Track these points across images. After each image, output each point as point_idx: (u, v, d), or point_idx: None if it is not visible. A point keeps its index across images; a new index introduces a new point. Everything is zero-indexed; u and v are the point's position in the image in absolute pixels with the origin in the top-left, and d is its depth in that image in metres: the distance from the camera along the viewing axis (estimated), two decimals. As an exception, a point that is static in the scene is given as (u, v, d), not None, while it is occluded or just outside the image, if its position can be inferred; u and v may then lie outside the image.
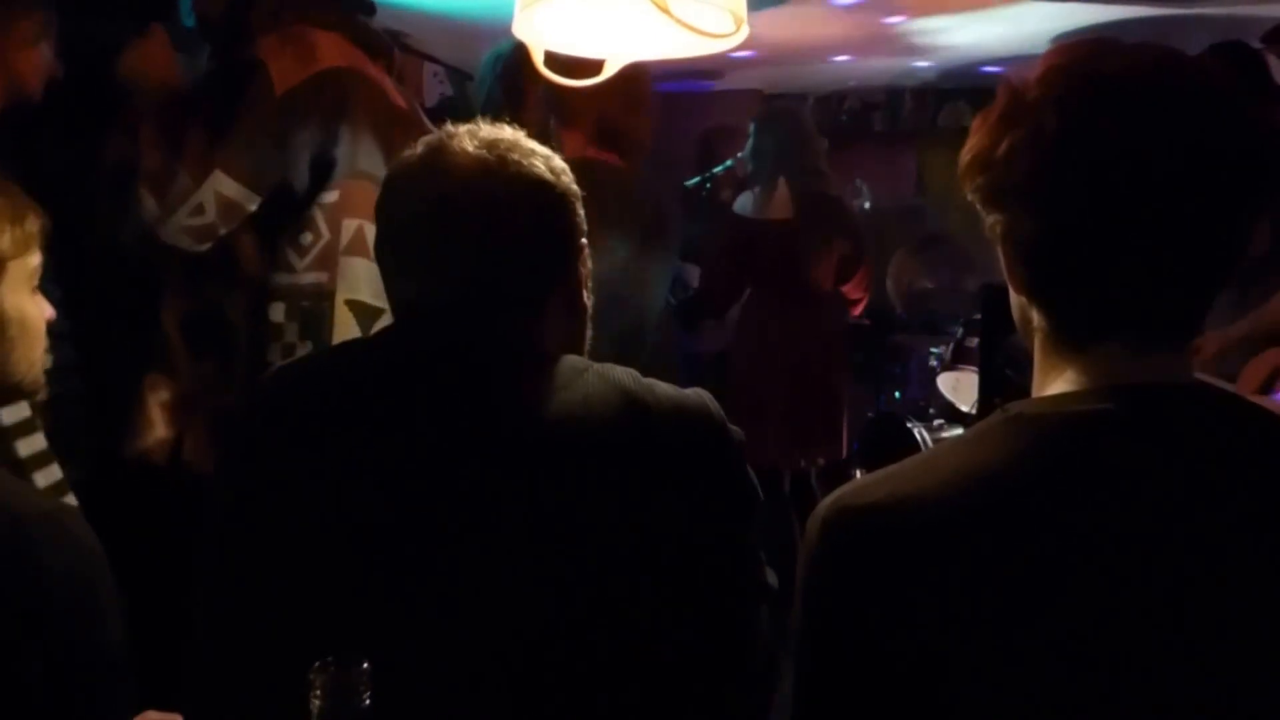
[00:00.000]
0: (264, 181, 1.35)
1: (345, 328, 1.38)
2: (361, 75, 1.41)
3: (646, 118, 1.72)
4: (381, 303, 1.41)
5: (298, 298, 1.38)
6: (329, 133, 1.36)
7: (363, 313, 1.39)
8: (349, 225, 1.39)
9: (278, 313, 1.38)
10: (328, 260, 1.38)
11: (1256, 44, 2.12)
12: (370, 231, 1.39)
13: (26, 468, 1.17)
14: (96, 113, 1.46)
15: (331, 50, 1.38)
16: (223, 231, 1.35)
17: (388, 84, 1.49)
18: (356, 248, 1.39)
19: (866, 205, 3.11)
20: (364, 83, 1.41)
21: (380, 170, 1.40)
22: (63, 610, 0.78)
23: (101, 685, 0.81)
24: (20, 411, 1.15)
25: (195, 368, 1.41)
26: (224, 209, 1.33)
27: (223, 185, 1.32)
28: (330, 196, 1.38)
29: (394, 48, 1.54)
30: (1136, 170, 0.57)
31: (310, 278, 1.38)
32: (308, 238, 1.38)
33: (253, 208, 1.35)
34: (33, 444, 1.18)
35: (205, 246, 1.36)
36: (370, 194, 1.42)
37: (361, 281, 1.39)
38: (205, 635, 0.77)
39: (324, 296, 1.38)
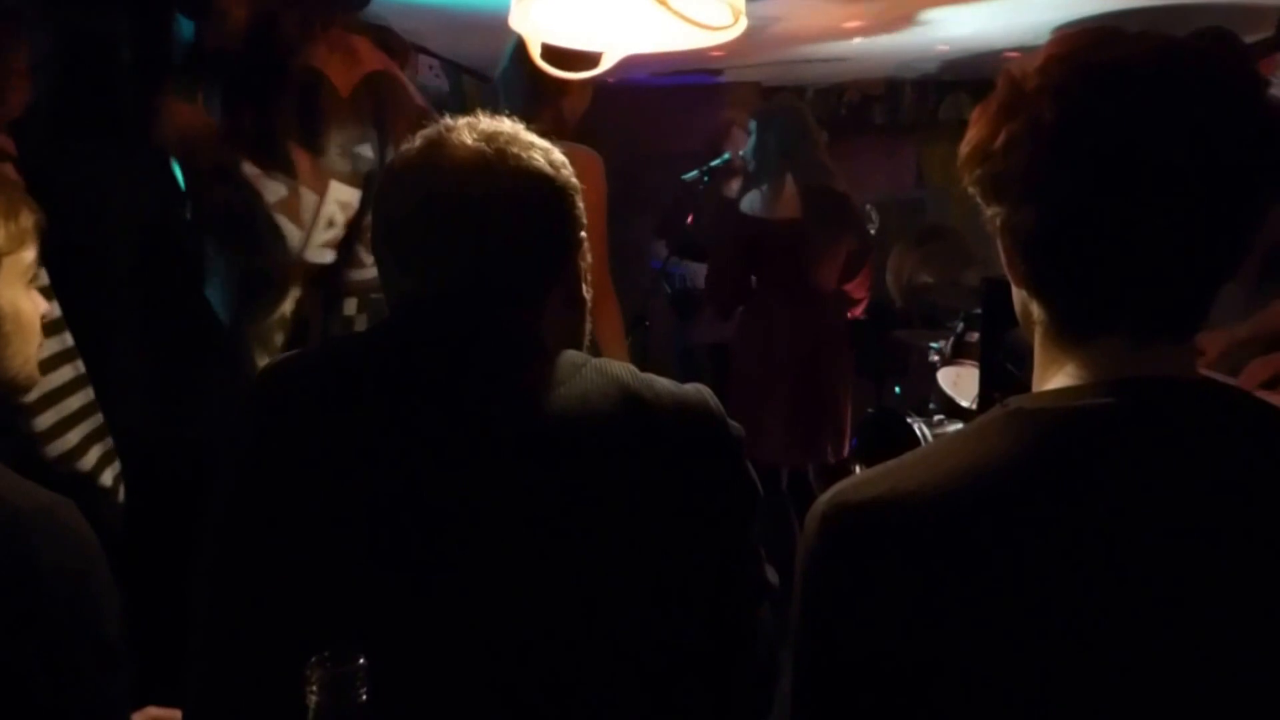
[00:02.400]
0: (365, 180, 1.39)
1: None
2: (395, 77, 1.45)
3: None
4: None
5: (368, 291, 1.41)
6: (381, 133, 1.40)
7: None
8: None
9: (350, 306, 1.42)
10: None
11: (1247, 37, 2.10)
12: None
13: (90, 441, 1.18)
14: (100, 114, 1.45)
15: (368, 54, 1.42)
16: (342, 236, 1.39)
17: (410, 85, 1.53)
18: None
19: (873, 231, 3.11)
20: (398, 84, 1.45)
21: None
22: (59, 604, 0.78)
23: (99, 679, 0.81)
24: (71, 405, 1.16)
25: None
26: (346, 215, 1.37)
27: (340, 193, 1.36)
28: None
29: (410, 49, 1.58)
30: (1136, 161, 0.57)
31: (374, 273, 1.42)
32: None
33: (357, 206, 1.39)
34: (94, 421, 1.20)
35: (333, 255, 1.39)
36: None
37: None
38: (205, 629, 0.77)
39: None
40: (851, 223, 2.71)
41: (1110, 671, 0.54)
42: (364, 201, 1.39)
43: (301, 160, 1.34)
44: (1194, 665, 0.54)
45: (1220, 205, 0.58)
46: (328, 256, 1.39)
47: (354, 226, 1.41)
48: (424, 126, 1.54)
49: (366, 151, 1.38)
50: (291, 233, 1.33)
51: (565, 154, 0.84)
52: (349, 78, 1.38)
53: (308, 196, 1.33)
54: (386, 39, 1.51)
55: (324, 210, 1.35)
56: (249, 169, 1.33)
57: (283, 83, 1.37)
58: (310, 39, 1.39)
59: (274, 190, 1.32)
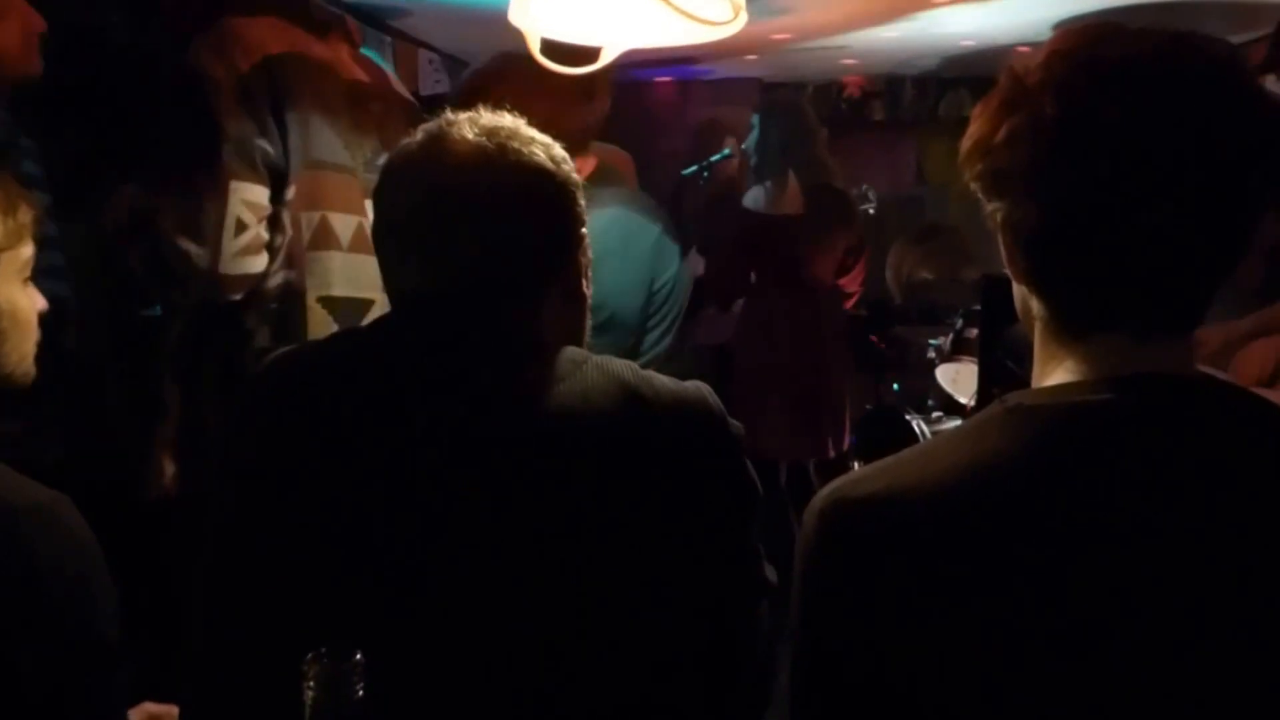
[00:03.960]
0: (268, 173, 1.30)
1: (320, 325, 1.33)
2: (302, 59, 1.33)
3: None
4: (358, 292, 1.35)
5: (265, 301, 1.32)
6: (281, 119, 1.30)
7: (336, 307, 1.34)
8: (309, 219, 1.32)
9: (250, 319, 1.33)
10: (294, 259, 1.33)
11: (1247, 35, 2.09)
12: (337, 222, 1.33)
13: None
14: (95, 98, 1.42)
15: (264, 38, 1.31)
16: (266, 239, 1.30)
17: (341, 59, 1.40)
18: (322, 241, 1.33)
19: (871, 210, 3.10)
20: (306, 66, 1.33)
21: (339, 156, 1.34)
22: (56, 603, 0.78)
23: (95, 677, 0.81)
24: None
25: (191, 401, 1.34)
26: (258, 215, 1.28)
27: (245, 192, 1.27)
28: (289, 193, 1.32)
29: (344, 16, 1.45)
30: (1137, 157, 0.57)
31: (278, 279, 1.33)
32: (278, 239, 1.32)
33: (267, 204, 1.30)
34: None
35: (264, 262, 1.30)
36: (331, 182, 1.34)
37: (332, 275, 1.33)
38: (203, 626, 0.76)
39: (294, 296, 1.33)
40: (849, 220, 2.73)
41: (1108, 666, 0.54)
42: (271, 199, 1.30)
43: (195, 167, 1.24)
44: (1193, 661, 0.54)
45: (1220, 202, 0.58)
46: (253, 265, 1.28)
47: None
48: (367, 102, 1.45)
49: (266, 144, 1.28)
50: (194, 251, 1.23)
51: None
52: (236, 68, 1.27)
53: (207, 207, 1.24)
54: (305, 15, 1.37)
55: (229, 215, 1.25)
56: (138, 199, 1.23)
57: (156, 92, 1.29)
58: (192, 35, 1.29)
59: (166, 212, 1.23)
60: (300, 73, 1.32)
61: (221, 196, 1.25)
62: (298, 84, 1.31)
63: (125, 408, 1.37)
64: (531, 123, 0.83)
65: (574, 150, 0.87)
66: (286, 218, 1.32)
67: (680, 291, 1.54)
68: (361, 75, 1.44)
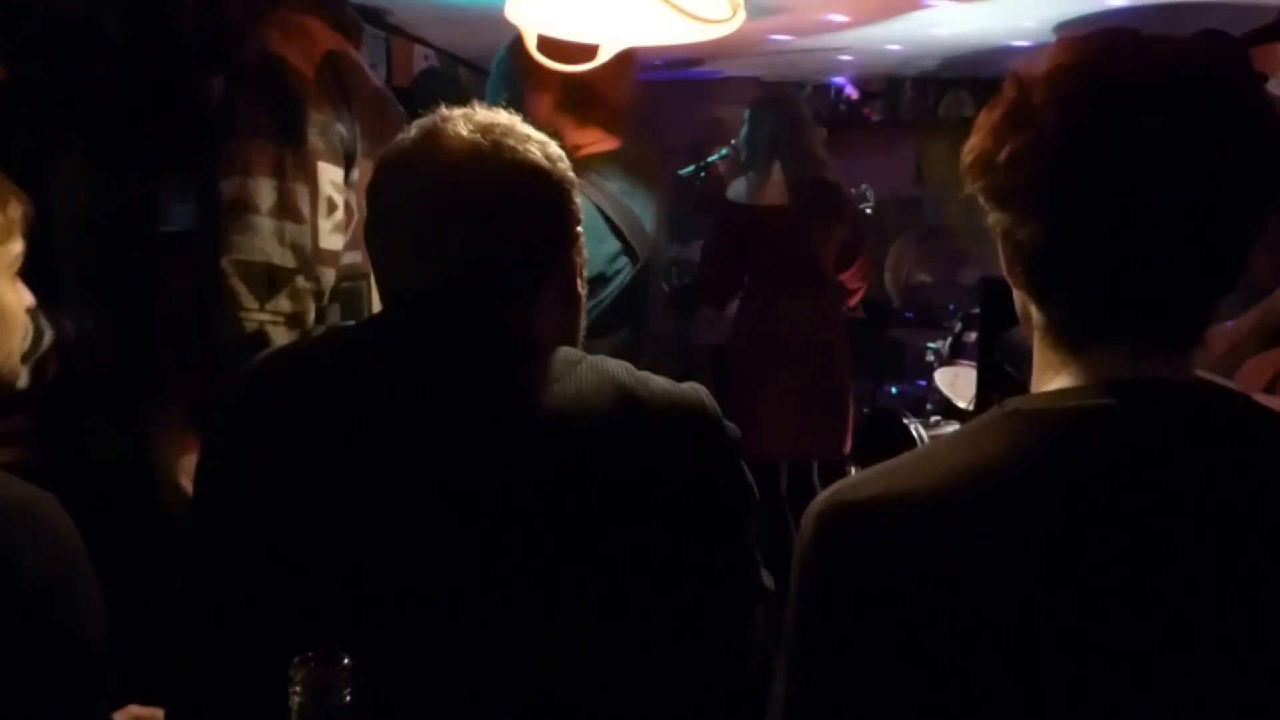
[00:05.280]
0: (346, 157, 1.36)
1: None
2: (350, 55, 1.41)
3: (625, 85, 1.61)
4: None
5: (339, 280, 1.38)
6: (347, 114, 1.37)
7: None
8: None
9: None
10: (358, 240, 1.37)
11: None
12: None
13: None
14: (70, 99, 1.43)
15: (322, 34, 1.38)
16: (344, 219, 1.36)
17: (364, 65, 1.49)
18: None
19: (869, 210, 3.09)
20: (354, 64, 1.41)
21: (377, 151, 1.42)
22: (38, 602, 0.77)
23: (81, 678, 0.80)
24: None
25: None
26: (342, 195, 1.35)
27: (331, 174, 1.33)
28: (354, 176, 1.39)
29: (362, 26, 1.54)
30: (1141, 177, 0.56)
31: (347, 259, 1.39)
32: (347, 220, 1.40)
33: (345, 186, 1.36)
34: None
35: (343, 241, 1.36)
36: None
37: None
38: (189, 626, 0.76)
39: (360, 275, 1.39)
40: (842, 212, 2.70)
41: (1107, 669, 0.54)
42: (345, 181, 1.36)
43: (284, 155, 1.29)
44: (1192, 664, 0.54)
45: (1224, 221, 0.58)
46: (339, 243, 1.35)
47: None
48: (382, 109, 1.52)
49: (342, 130, 1.34)
50: (294, 231, 1.29)
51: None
52: (310, 58, 1.33)
53: (299, 189, 1.29)
54: (341, 19, 1.45)
55: (321, 195, 1.31)
56: (229, 186, 1.26)
57: (242, 77, 1.32)
58: (258, 23, 1.33)
59: (265, 196, 1.27)
60: (352, 70, 1.39)
61: (312, 177, 1.30)
62: (351, 80, 1.38)
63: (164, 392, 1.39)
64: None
65: None
66: (354, 200, 1.38)
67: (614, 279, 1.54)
68: (378, 81, 1.51)
